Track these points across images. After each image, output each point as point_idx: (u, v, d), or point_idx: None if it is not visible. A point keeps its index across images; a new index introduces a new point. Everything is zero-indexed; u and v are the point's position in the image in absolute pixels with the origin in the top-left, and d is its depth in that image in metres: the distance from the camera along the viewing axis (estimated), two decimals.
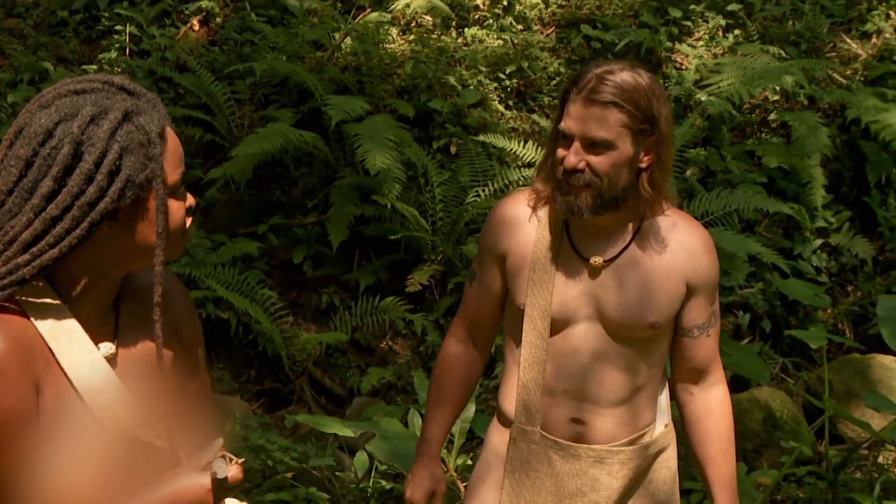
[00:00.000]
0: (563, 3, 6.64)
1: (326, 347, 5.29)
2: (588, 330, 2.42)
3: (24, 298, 1.56)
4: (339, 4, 6.44)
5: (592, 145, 2.28)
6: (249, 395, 5.17)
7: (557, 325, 2.42)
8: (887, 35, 6.78)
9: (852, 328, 5.87)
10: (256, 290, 5.17)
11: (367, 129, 5.43)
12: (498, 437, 2.57)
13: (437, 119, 5.88)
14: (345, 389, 5.26)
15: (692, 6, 6.62)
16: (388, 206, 5.35)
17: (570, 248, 2.42)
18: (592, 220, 2.36)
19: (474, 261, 2.58)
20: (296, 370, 5.22)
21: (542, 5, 6.55)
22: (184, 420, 1.70)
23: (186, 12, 6.20)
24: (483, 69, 6.10)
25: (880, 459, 4.83)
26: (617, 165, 2.29)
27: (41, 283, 1.58)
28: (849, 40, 6.77)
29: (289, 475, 4.24)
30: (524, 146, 5.74)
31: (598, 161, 2.28)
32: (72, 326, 1.58)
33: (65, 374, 1.57)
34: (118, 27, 5.95)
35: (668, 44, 6.46)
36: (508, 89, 6.16)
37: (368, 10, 6.39)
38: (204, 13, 6.20)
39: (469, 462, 4.20)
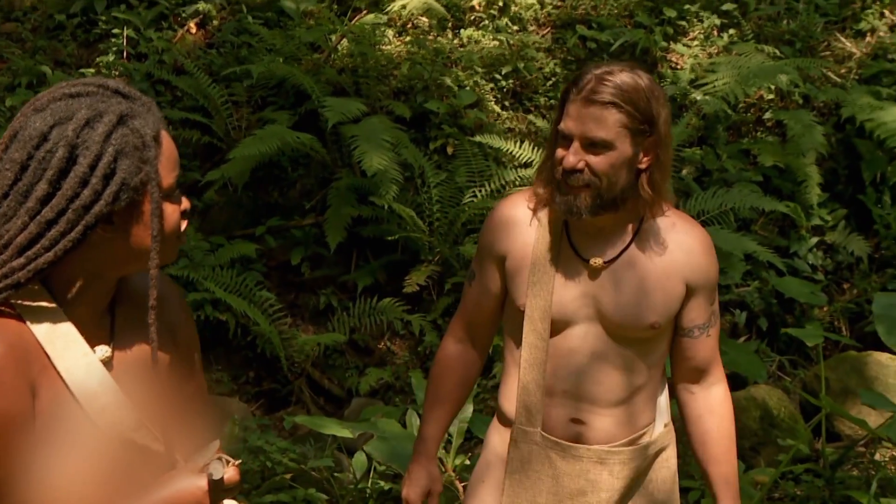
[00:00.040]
0: (559, 3, 6.65)
1: (325, 348, 5.29)
2: (588, 331, 2.42)
3: (19, 302, 1.56)
4: (336, 6, 6.45)
5: (591, 145, 2.28)
6: (248, 396, 5.18)
7: (557, 326, 2.42)
8: (881, 33, 6.79)
9: (848, 326, 5.88)
10: (254, 291, 5.17)
11: (364, 130, 5.44)
12: (498, 438, 2.57)
13: (433, 120, 5.88)
14: (343, 390, 5.27)
15: (687, 6, 6.62)
16: (386, 207, 5.35)
17: (569, 249, 2.42)
18: (592, 221, 2.36)
19: (473, 261, 2.57)
20: (294, 371, 5.22)
21: (538, 6, 6.56)
22: (180, 423, 1.70)
23: (183, 15, 6.21)
24: (479, 70, 6.10)
25: (877, 456, 4.84)
26: (616, 166, 2.29)
27: (36, 287, 1.57)
28: (843, 39, 6.78)
29: (287, 476, 4.24)
30: (520, 146, 5.74)
31: (598, 161, 2.28)
32: (67, 330, 1.58)
33: (61, 377, 1.56)
34: (115, 30, 5.96)
35: (664, 43, 6.47)
36: (504, 90, 6.17)
37: (364, 11, 6.40)
38: (201, 16, 6.21)
39: (467, 462, 4.20)
